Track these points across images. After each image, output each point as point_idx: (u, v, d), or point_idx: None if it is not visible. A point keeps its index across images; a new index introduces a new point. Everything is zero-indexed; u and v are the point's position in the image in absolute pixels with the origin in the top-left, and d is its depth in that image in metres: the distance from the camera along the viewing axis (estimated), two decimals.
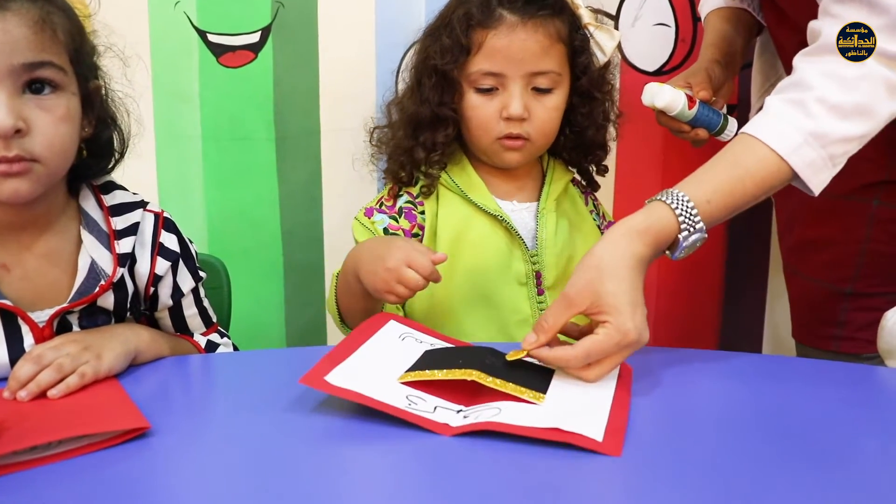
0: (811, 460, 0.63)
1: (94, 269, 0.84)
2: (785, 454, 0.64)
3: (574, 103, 1.08)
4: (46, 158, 0.77)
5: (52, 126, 0.77)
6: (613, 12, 1.46)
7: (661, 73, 1.48)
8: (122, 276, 0.86)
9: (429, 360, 0.76)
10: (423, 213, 1.07)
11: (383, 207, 1.07)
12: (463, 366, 0.72)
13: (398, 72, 1.43)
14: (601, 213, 1.19)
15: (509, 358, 0.75)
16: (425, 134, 1.06)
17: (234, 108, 1.46)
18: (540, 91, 1.03)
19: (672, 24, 1.47)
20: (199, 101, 1.46)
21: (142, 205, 0.90)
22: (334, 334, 1.56)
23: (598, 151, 1.14)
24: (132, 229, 0.87)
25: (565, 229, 1.10)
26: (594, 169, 1.18)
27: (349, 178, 1.50)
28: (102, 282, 0.83)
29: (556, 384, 0.73)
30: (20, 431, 0.64)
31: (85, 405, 0.71)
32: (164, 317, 0.94)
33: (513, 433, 0.64)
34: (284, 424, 0.68)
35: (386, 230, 1.05)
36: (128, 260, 0.86)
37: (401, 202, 1.08)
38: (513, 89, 1.01)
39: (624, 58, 1.48)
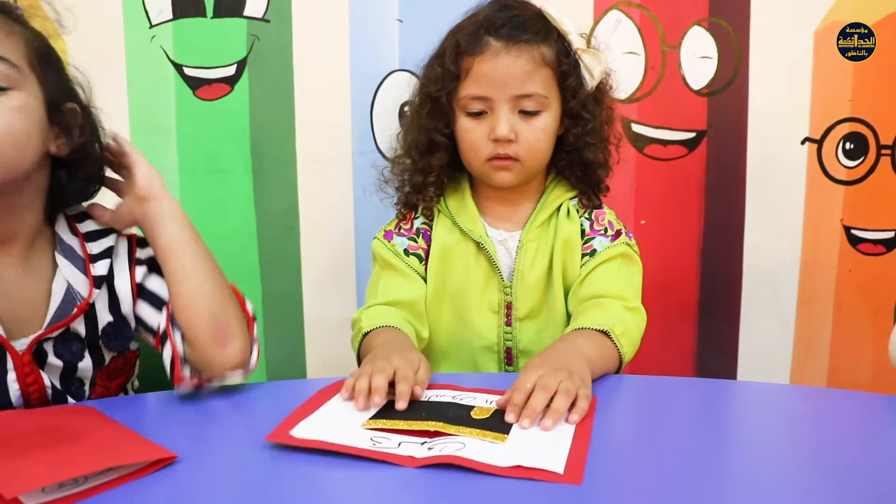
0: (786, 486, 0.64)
1: (69, 293, 0.84)
2: (755, 483, 0.64)
3: (567, 125, 1.10)
4: None
5: (5, 115, 0.76)
6: None
7: (632, 101, 1.51)
8: (95, 306, 0.86)
9: (393, 410, 0.77)
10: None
11: (402, 231, 1.14)
12: (426, 418, 0.74)
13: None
14: (607, 222, 1.15)
15: (475, 416, 0.76)
16: (423, 160, 1.11)
17: (211, 140, 1.47)
18: (527, 113, 1.05)
19: (641, 52, 1.50)
20: (176, 134, 1.46)
21: (115, 231, 0.91)
22: (314, 365, 1.55)
23: (598, 171, 1.14)
24: (107, 252, 0.88)
25: (545, 259, 1.11)
26: (596, 189, 1.16)
27: (326, 208, 1.51)
28: (79, 303, 0.84)
29: (518, 427, 0.74)
30: (44, 467, 0.63)
31: (105, 440, 0.71)
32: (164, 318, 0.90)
33: (476, 470, 0.64)
34: (256, 461, 0.68)
35: (406, 251, 1.12)
36: (103, 282, 0.87)
37: (417, 223, 1.14)
38: (499, 112, 1.04)
39: None
